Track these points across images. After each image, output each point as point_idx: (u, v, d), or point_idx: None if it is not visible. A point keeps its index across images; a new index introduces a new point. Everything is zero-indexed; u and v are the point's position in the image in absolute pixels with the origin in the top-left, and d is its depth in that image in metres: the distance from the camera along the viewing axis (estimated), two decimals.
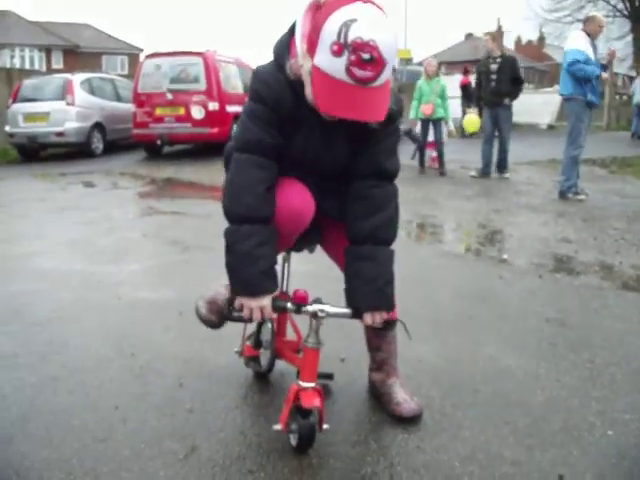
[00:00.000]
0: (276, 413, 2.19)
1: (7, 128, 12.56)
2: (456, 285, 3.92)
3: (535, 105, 20.05)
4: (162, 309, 3.40)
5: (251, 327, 2.49)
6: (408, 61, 27.53)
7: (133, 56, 39.04)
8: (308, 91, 1.87)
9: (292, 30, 1.96)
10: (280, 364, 2.47)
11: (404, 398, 2.26)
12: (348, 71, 1.72)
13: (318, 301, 2.03)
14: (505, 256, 4.65)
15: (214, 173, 8.78)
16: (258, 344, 2.49)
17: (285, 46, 1.96)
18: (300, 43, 1.86)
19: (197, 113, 11.57)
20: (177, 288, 3.77)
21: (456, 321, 3.26)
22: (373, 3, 1.76)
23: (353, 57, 1.70)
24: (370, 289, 2.03)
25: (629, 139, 16.97)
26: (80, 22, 41.79)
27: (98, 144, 13.08)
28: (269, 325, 2.40)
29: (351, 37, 1.69)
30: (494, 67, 9.06)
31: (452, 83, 15.46)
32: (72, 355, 2.80)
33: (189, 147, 13.29)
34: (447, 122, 9.76)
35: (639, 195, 7.74)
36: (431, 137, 9.57)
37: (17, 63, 32.78)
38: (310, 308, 2.01)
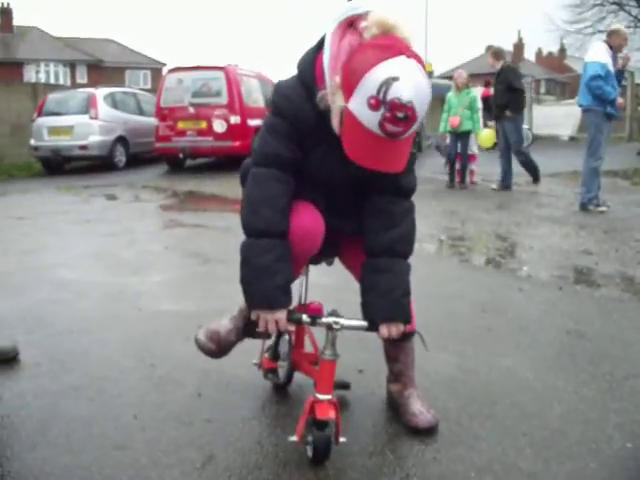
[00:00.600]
0: (293, 424, 2.20)
1: (32, 142, 12.80)
2: (475, 297, 3.91)
3: (556, 117, 19.99)
4: (182, 320, 3.43)
5: (269, 339, 2.50)
6: (429, 75, 27.57)
7: (156, 70, 39.49)
8: (335, 123, 1.87)
9: (319, 45, 1.95)
10: (299, 376, 2.48)
11: (420, 410, 2.26)
12: (381, 125, 1.73)
13: (334, 313, 2.04)
14: (525, 268, 4.63)
15: (236, 186, 8.72)
16: (276, 356, 2.49)
17: (311, 64, 1.96)
18: (329, 71, 1.85)
19: (219, 127, 11.68)
20: (197, 300, 3.81)
21: (474, 333, 3.26)
22: (415, 57, 1.74)
23: (389, 114, 1.70)
24: (386, 301, 2.03)
25: None
26: (104, 37, 42.45)
27: (121, 157, 13.27)
28: (287, 337, 2.42)
29: (390, 96, 1.68)
30: (495, 80, 9.14)
31: None
32: (93, 364, 2.84)
33: (211, 160, 13.39)
34: (477, 135, 9.69)
35: None
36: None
37: (42, 78, 33.37)
38: (325, 320, 2.01)
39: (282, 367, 2.48)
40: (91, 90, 13.65)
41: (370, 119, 1.73)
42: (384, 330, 2.03)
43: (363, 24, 1.79)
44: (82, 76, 37.07)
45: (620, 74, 7.42)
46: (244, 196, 2.06)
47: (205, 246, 5.44)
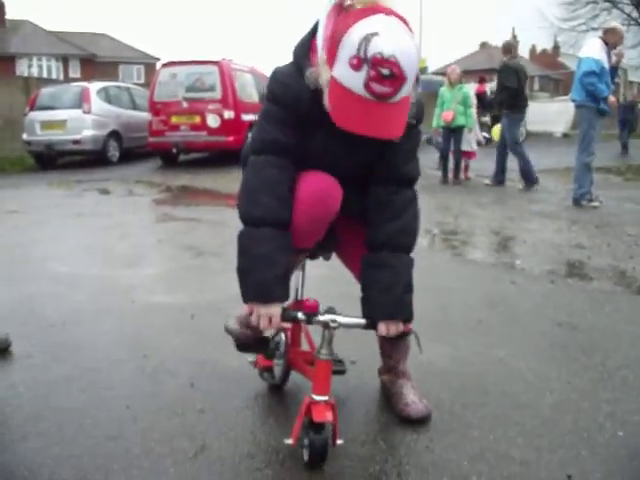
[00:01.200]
0: (286, 413, 2.21)
1: (24, 136, 12.73)
2: (468, 290, 3.92)
3: (550, 114, 20.05)
4: (176, 312, 3.43)
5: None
6: (423, 70, 27.57)
7: (149, 65, 39.36)
8: (326, 100, 1.81)
9: (314, 30, 1.91)
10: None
11: (413, 400, 2.26)
12: (367, 86, 1.67)
13: (331, 310, 1.95)
14: (518, 262, 4.64)
15: (229, 181, 8.83)
16: (271, 355, 2.40)
17: (306, 48, 1.92)
18: (322, 50, 1.81)
19: (212, 121, 11.65)
20: (191, 292, 3.81)
21: (467, 325, 3.26)
22: (397, 15, 1.70)
23: (372, 72, 1.65)
24: (386, 298, 1.97)
25: None
26: (97, 32, 42.27)
27: (114, 152, 13.22)
28: (282, 336, 2.36)
29: (371, 52, 1.64)
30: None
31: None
32: (85, 356, 2.83)
33: (205, 155, 13.37)
34: (471, 130, 9.67)
35: None
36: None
37: (35, 72, 33.22)
38: (322, 318, 1.92)
39: (278, 366, 2.42)
40: (84, 84, 13.58)
41: (355, 81, 1.68)
42: (382, 328, 1.97)
43: (348, 2, 1.75)
44: (75, 70, 36.92)
45: (614, 71, 7.44)
46: (242, 185, 2.00)
47: (198, 239, 5.43)
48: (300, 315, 1.94)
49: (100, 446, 2.07)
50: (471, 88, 18.09)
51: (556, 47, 45.42)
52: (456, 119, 9.31)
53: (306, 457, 1.91)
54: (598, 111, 7.09)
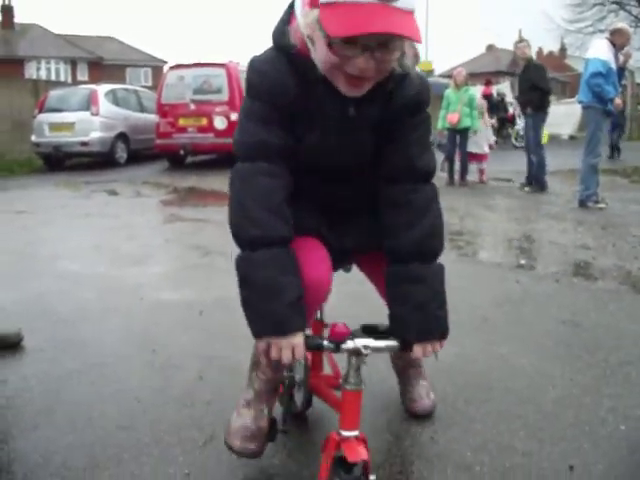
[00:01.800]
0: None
1: (33, 138, 12.83)
2: (473, 289, 3.95)
3: (557, 116, 19.94)
4: (184, 309, 3.48)
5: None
6: (430, 73, 27.60)
7: (156, 68, 39.46)
8: (315, 54, 1.55)
9: (290, 9, 1.66)
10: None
11: (419, 395, 2.28)
12: None
13: (357, 334, 1.62)
14: (523, 262, 4.67)
15: None
16: (291, 383, 2.20)
17: (285, 23, 1.65)
18: (301, 7, 1.56)
19: (220, 123, 11.69)
20: (198, 289, 3.85)
21: (472, 323, 3.29)
22: None
23: None
24: (421, 316, 1.71)
25: None
26: (104, 35, 42.44)
27: (122, 154, 13.30)
28: (302, 362, 2.12)
29: None
30: (520, 77, 9.06)
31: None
32: (95, 351, 2.88)
33: (212, 157, 13.42)
34: (475, 132, 9.64)
35: None
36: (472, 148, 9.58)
37: (43, 75, 33.33)
38: (351, 345, 1.58)
39: (298, 394, 2.20)
40: (92, 87, 13.68)
41: None
42: (419, 351, 1.71)
43: None
44: (83, 73, 37.05)
45: (621, 72, 7.43)
46: (230, 200, 1.69)
47: (205, 239, 5.48)
48: (326, 343, 1.60)
49: (111, 436, 2.12)
50: (477, 91, 18.17)
51: (563, 49, 45.37)
52: (462, 121, 9.32)
53: None
54: (605, 112, 7.10)
